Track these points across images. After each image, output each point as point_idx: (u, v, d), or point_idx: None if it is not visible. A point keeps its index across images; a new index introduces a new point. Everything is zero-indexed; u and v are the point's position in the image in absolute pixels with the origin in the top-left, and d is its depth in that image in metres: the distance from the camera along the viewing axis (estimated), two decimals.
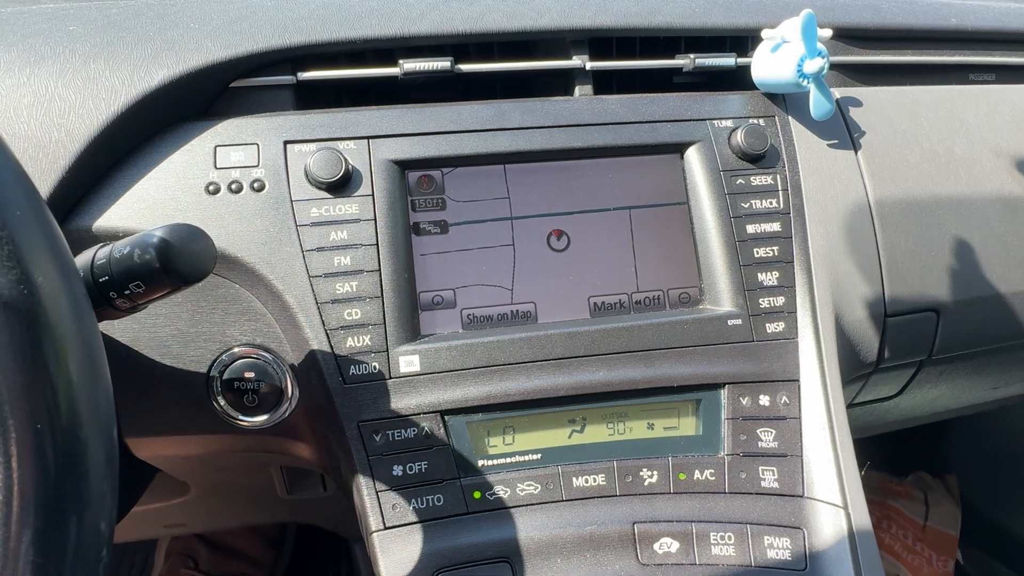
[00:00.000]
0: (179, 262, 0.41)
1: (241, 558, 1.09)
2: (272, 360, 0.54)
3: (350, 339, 0.52)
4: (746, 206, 0.59)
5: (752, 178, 0.59)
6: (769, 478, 0.53)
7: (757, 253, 0.58)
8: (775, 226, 0.59)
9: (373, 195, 0.54)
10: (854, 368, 0.62)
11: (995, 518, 1.34)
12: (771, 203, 0.59)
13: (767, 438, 0.54)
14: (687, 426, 0.55)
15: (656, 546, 0.50)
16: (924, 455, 1.44)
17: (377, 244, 0.54)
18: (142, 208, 0.52)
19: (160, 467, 0.62)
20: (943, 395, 0.72)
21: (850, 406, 0.69)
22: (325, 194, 0.54)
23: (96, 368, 0.33)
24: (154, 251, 0.41)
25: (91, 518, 0.31)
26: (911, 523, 1.31)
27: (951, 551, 1.28)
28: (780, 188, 0.60)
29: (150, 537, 1.06)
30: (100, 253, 0.42)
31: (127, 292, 0.42)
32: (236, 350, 0.54)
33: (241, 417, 0.55)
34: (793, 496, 0.53)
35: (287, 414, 0.55)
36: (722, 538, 0.50)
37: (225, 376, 0.54)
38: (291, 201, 0.54)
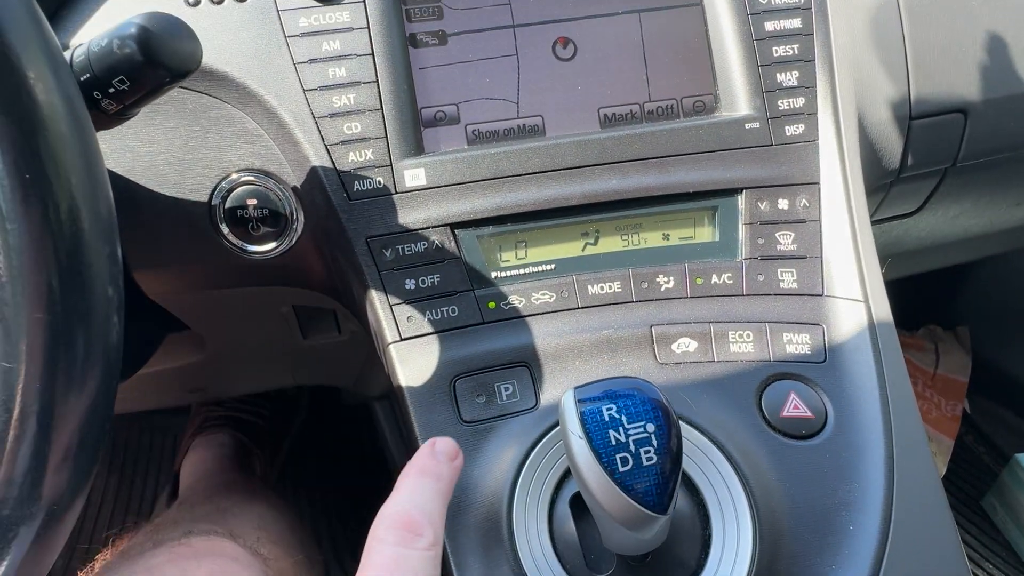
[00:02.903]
0: (161, 50, 0.38)
1: (262, 401, 1.13)
2: (274, 185, 0.52)
3: (352, 154, 0.50)
4: (764, 2, 0.55)
5: None
6: (788, 279, 0.52)
7: (776, 52, 0.55)
8: (795, 22, 0.55)
9: (364, 2, 0.51)
10: (876, 176, 0.59)
11: (1005, 366, 1.36)
12: None
13: (786, 241, 0.53)
14: (703, 235, 0.54)
15: (674, 346, 0.50)
16: (935, 309, 1.45)
17: (372, 54, 0.51)
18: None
19: (172, 310, 0.62)
20: (965, 212, 0.70)
21: None
22: (313, 2, 0.51)
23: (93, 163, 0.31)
24: (134, 41, 0.38)
25: (100, 280, 0.30)
26: (921, 372, 1.33)
27: (959, 396, 1.30)
28: None
29: (172, 404, 1.09)
30: (77, 52, 0.40)
31: (111, 91, 0.40)
32: (235, 176, 0.52)
33: (249, 247, 0.54)
34: (812, 295, 0.52)
35: (295, 241, 0.54)
36: (740, 336, 0.50)
37: (228, 205, 0.53)
38: (277, 11, 0.50)
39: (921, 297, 1.43)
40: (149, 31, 0.38)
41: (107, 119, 0.42)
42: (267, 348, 0.78)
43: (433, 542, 0.35)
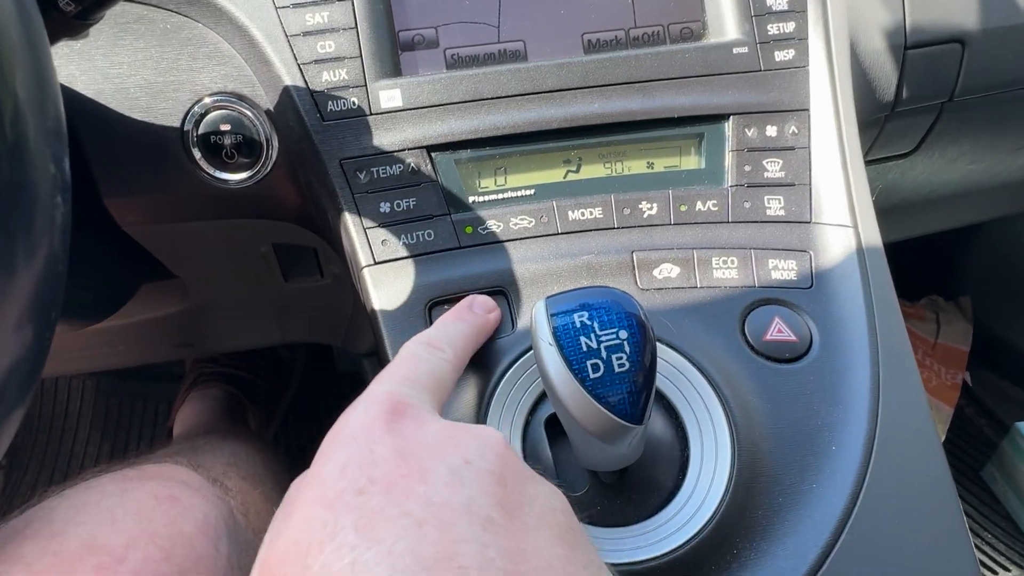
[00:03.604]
0: None
1: (257, 359, 1.13)
2: (248, 109, 0.51)
3: (325, 73, 0.49)
4: None
5: None
6: (775, 207, 0.51)
7: None
8: None
9: None
10: (870, 107, 0.58)
11: (1006, 337, 1.34)
12: None
13: (774, 168, 0.51)
14: (689, 163, 0.52)
15: (656, 272, 0.48)
16: (938, 279, 1.43)
17: None
18: None
19: (148, 246, 0.61)
20: (963, 154, 0.68)
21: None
22: None
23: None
24: None
25: (40, 155, 0.29)
26: (921, 341, 1.31)
27: (960, 365, 1.28)
28: None
29: (162, 359, 1.08)
30: None
31: None
32: (207, 100, 0.51)
33: (222, 175, 0.52)
34: (800, 223, 0.50)
35: (270, 168, 0.52)
36: (724, 263, 0.49)
37: (200, 131, 0.51)
38: None
39: (923, 267, 1.41)
40: None
41: (67, 23, 0.40)
42: (250, 296, 0.77)
43: (453, 359, 0.38)
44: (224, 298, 0.77)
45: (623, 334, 0.36)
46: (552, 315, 0.37)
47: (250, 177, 0.53)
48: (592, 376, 0.36)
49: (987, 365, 1.36)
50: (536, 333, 0.37)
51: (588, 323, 0.36)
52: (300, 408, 1.32)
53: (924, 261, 1.41)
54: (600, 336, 0.36)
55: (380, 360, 0.46)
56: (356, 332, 0.90)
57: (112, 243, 0.59)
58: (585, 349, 0.36)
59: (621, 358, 0.36)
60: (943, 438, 1.23)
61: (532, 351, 0.44)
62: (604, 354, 0.36)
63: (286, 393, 1.24)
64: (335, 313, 0.83)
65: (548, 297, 0.38)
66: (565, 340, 0.36)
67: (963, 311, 1.35)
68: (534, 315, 0.38)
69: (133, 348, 0.86)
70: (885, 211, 0.58)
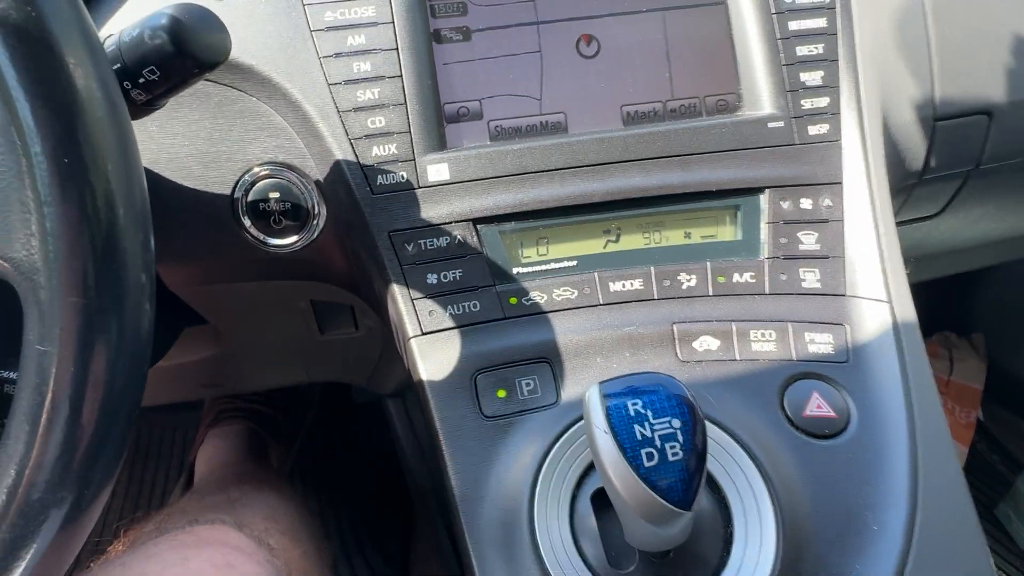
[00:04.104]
0: (192, 41, 0.39)
1: (277, 395, 1.14)
2: (297, 179, 0.53)
3: (375, 148, 0.50)
4: (788, 1, 0.55)
5: None
6: (811, 279, 0.52)
7: (800, 52, 0.55)
8: (820, 22, 0.55)
9: None
10: (899, 177, 0.59)
11: (1020, 374, 1.35)
12: None
13: (809, 240, 0.53)
14: (725, 233, 0.54)
15: (696, 344, 0.50)
16: (950, 315, 1.44)
17: (397, 49, 0.51)
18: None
19: (191, 303, 0.62)
20: (987, 215, 0.70)
21: None
22: None
23: (129, 154, 0.31)
24: (165, 32, 0.38)
25: (133, 267, 0.30)
26: (935, 379, 1.31)
27: (974, 403, 1.29)
28: None
29: (188, 398, 1.09)
30: (108, 41, 0.40)
31: (141, 81, 0.40)
32: (257, 169, 0.52)
33: (270, 240, 0.54)
34: (836, 295, 0.51)
35: (316, 234, 0.54)
36: (763, 335, 0.50)
37: (250, 198, 0.53)
38: (303, 4, 0.51)
39: (936, 303, 1.42)
40: (180, 22, 0.39)
41: (135, 109, 0.42)
42: (283, 344, 0.78)
43: None
44: (257, 345, 0.78)
45: (676, 423, 0.37)
46: (606, 401, 0.38)
47: (296, 241, 0.54)
48: (646, 464, 0.37)
49: (1000, 402, 1.37)
50: (590, 419, 0.38)
51: (642, 411, 0.37)
52: (316, 439, 1.33)
53: (937, 296, 1.42)
54: (654, 424, 0.37)
55: (429, 437, 0.47)
56: (382, 374, 0.91)
57: (164, 299, 0.60)
58: (639, 437, 0.37)
59: (675, 446, 0.37)
60: None
61: (577, 424, 0.46)
62: (658, 443, 0.37)
63: (303, 428, 1.25)
64: (364, 358, 0.84)
65: (601, 383, 0.39)
66: (620, 428, 0.37)
67: (976, 348, 1.36)
68: (587, 402, 0.39)
69: (166, 388, 0.88)
70: (911, 259, 0.59)
